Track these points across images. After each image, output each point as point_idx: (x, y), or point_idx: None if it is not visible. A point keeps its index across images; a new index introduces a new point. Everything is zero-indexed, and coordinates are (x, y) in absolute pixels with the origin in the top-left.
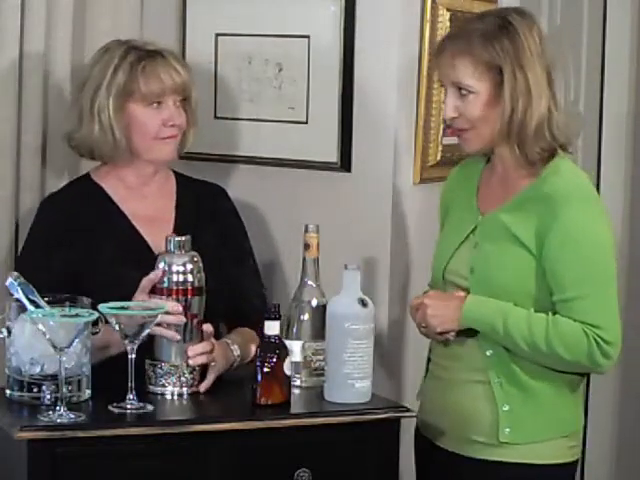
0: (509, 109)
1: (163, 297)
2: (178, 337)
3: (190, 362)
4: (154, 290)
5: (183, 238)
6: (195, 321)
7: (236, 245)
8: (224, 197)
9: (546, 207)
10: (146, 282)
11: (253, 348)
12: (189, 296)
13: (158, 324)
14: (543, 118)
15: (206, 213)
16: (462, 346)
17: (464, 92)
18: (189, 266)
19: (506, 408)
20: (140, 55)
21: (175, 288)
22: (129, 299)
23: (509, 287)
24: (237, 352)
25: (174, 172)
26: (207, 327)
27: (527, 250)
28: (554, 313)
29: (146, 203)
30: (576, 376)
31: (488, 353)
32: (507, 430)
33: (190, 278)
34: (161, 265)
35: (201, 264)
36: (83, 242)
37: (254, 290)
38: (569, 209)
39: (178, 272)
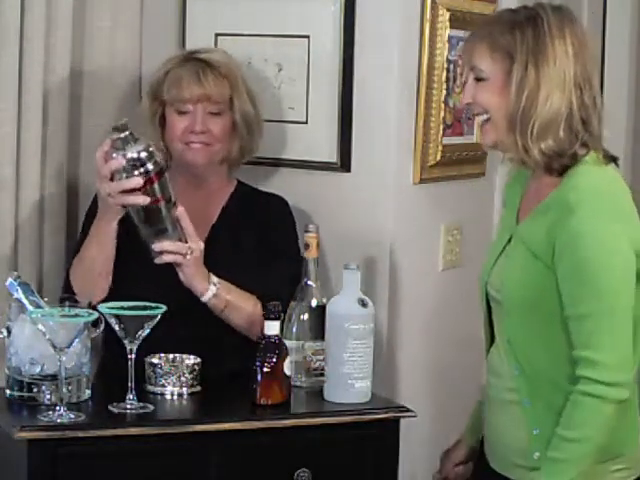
0: (513, 100)
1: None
2: (148, 199)
3: (156, 260)
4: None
5: (127, 133)
6: (162, 202)
7: (275, 247)
8: (279, 205)
9: (557, 216)
10: (105, 171)
11: (241, 299)
12: (154, 183)
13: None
14: (553, 117)
15: (252, 216)
16: (498, 364)
17: (479, 78)
18: (143, 154)
19: (536, 431)
20: (177, 62)
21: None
22: (157, 296)
23: (533, 301)
24: (215, 281)
25: (239, 182)
26: (179, 212)
27: (542, 262)
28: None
29: (194, 206)
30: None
31: (516, 372)
32: (536, 455)
33: (150, 167)
34: (115, 155)
35: (153, 147)
36: (124, 237)
37: (282, 292)
38: (579, 219)
39: (135, 165)
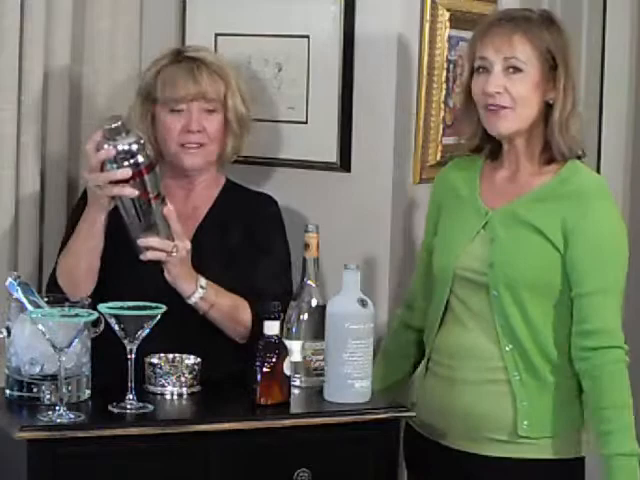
0: (562, 96)
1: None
2: (136, 192)
3: (141, 256)
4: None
5: (119, 123)
6: (151, 196)
7: (261, 246)
8: (267, 203)
9: (574, 204)
10: (95, 161)
11: (228, 302)
12: (144, 175)
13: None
14: (577, 111)
15: (240, 215)
16: (475, 344)
17: (513, 70)
18: (134, 146)
19: (525, 403)
20: (171, 60)
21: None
22: (143, 295)
23: (532, 280)
24: (203, 283)
25: (227, 180)
26: (167, 210)
27: (551, 244)
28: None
29: (181, 204)
30: None
31: (507, 348)
32: (525, 423)
33: (140, 159)
34: (106, 146)
35: (145, 140)
36: (112, 235)
37: (269, 291)
38: (598, 207)
39: (126, 156)
